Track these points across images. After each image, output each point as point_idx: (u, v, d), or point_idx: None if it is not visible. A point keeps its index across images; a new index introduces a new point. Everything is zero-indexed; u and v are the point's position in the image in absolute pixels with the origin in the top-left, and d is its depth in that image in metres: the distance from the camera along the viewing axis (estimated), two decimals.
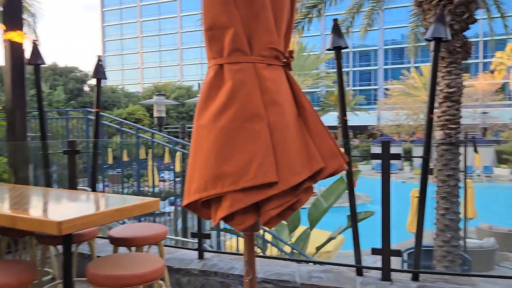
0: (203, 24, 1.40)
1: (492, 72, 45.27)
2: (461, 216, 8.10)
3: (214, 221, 1.37)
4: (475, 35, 48.51)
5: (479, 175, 29.64)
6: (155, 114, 12.68)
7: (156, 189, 12.16)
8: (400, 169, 35.16)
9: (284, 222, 6.13)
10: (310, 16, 10.93)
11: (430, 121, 2.98)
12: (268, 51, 1.39)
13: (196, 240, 3.72)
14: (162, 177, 15.72)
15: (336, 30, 3.09)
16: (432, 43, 3.01)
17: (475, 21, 6.91)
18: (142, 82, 70.74)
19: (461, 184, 7.58)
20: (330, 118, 40.52)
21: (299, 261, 4.68)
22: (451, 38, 6.50)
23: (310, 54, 32.21)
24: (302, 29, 11.17)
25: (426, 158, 2.97)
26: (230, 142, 1.31)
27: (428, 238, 9.32)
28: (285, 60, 1.47)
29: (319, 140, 1.38)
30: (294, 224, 6.20)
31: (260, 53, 1.37)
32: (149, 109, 26.77)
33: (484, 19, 11.49)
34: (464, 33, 7.11)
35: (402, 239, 12.47)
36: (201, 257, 3.60)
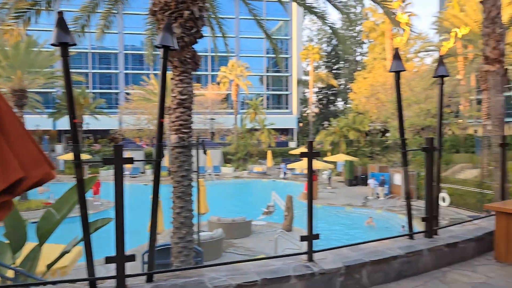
0: None
1: (218, 84, 52.25)
2: (196, 212, 8.90)
3: None
4: (205, 49, 54.62)
5: (210, 174, 33.52)
6: None
7: None
8: (142, 172, 35.87)
9: (5, 241, 5.12)
10: (38, 7, 9.77)
11: (161, 125, 3.10)
12: None
13: None
14: None
15: (62, 24, 2.82)
16: (162, 51, 3.14)
17: (202, 36, 7.72)
18: None
19: (195, 183, 8.32)
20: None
21: (25, 286, 4.06)
22: (178, 47, 7.03)
23: (43, 50, 28.75)
24: (29, 20, 9.86)
25: (158, 161, 3.06)
26: None
27: (168, 237, 9.83)
28: None
29: (18, 145, 1.16)
30: (18, 243, 5.33)
31: None
32: None
33: (210, 36, 13.03)
34: (195, 47, 7.85)
35: (145, 240, 12.74)
36: None
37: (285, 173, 33.36)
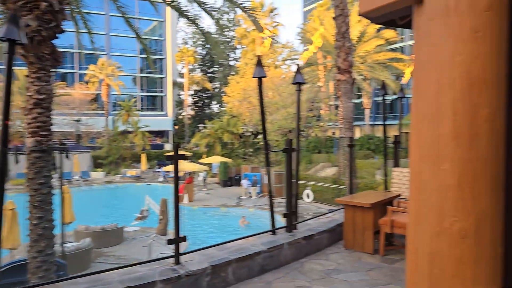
0: None
1: (87, 83, 48.62)
2: (59, 222, 8.13)
3: None
4: (72, 46, 50.21)
5: (77, 180, 30.96)
6: None
7: None
8: None
9: None
10: None
11: (5, 128, 2.79)
12: None
13: None
14: None
15: None
16: (7, 45, 2.83)
17: (63, 31, 7.11)
18: None
19: (59, 190, 7.60)
20: None
21: None
22: (27, 41, 6.40)
23: None
24: None
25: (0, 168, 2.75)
26: None
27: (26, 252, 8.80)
28: None
29: None
30: None
31: None
32: None
33: (75, 32, 12.02)
34: (58, 42, 7.19)
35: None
36: None
37: (164, 176, 32.59)
